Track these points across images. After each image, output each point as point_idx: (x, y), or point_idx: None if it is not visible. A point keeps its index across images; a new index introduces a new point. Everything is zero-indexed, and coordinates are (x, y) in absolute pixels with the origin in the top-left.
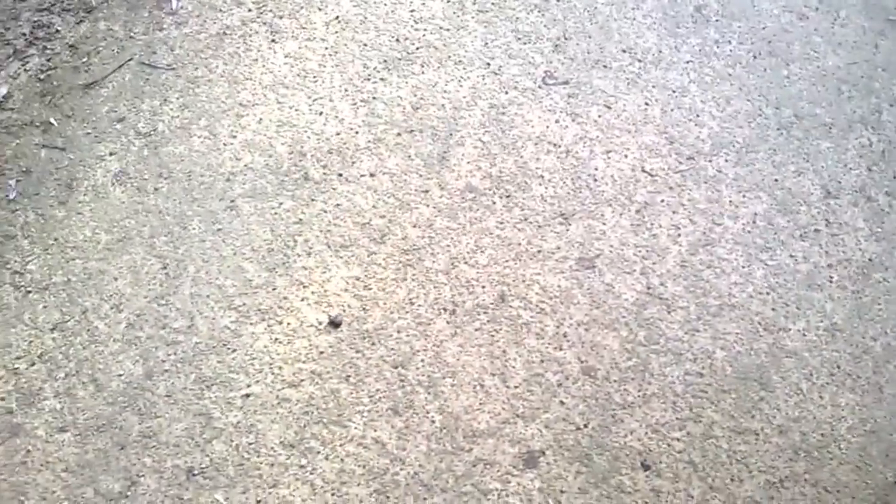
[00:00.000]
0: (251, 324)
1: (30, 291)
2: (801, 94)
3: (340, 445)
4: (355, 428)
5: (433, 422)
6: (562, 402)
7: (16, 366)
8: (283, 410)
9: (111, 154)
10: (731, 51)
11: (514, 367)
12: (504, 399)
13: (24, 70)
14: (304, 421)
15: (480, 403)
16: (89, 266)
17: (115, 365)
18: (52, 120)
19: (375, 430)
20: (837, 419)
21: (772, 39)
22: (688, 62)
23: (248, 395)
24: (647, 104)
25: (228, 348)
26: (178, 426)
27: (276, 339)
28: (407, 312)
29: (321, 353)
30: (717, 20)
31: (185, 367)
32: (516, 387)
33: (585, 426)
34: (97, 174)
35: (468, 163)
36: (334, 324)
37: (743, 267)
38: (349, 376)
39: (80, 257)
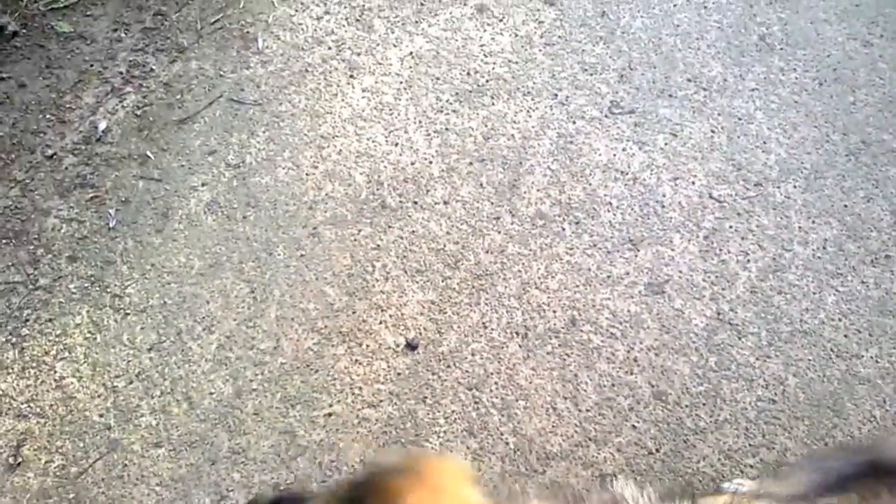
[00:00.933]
0: (332, 346)
1: (128, 314)
2: (868, 120)
3: None
4: (432, 448)
5: (507, 443)
6: (633, 427)
7: (115, 384)
8: (363, 430)
9: (203, 185)
10: (796, 78)
11: (585, 390)
12: (576, 422)
13: (122, 106)
14: (382, 440)
15: (553, 426)
16: (184, 290)
17: (206, 384)
18: (148, 153)
19: (451, 451)
20: None
21: (837, 67)
22: (753, 90)
23: (330, 415)
24: (713, 132)
25: (311, 369)
26: (265, 443)
27: (357, 360)
28: (480, 336)
29: (399, 374)
30: (781, 48)
31: (271, 387)
32: (588, 410)
33: (658, 450)
34: (191, 203)
35: (538, 190)
36: (411, 346)
37: (814, 293)
38: (426, 397)
39: (176, 282)
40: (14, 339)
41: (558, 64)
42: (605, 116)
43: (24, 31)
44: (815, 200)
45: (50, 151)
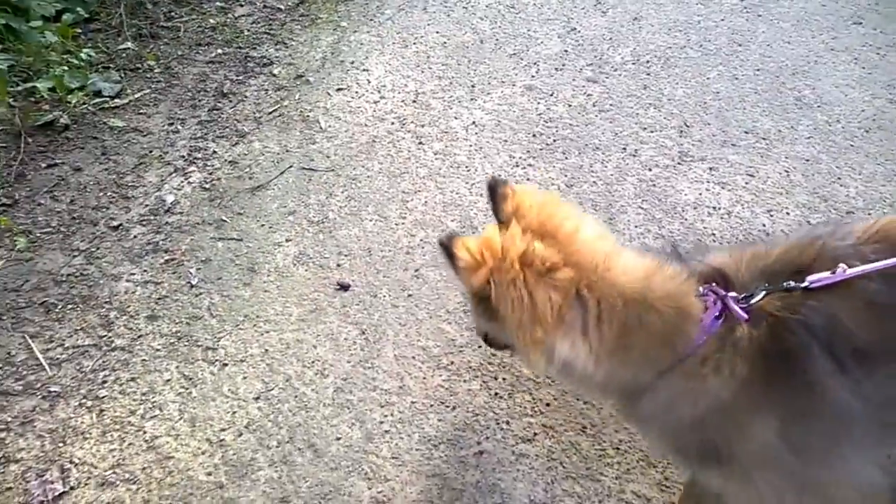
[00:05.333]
0: (465, 381)
1: (226, 364)
2: None
3: (599, 501)
4: (610, 482)
5: None
6: None
7: (222, 438)
8: (524, 467)
9: (287, 240)
10: (843, 128)
11: None
12: None
13: (188, 182)
14: (549, 477)
15: None
16: (285, 337)
17: (330, 429)
18: (224, 218)
19: (633, 483)
20: None
21: (874, 118)
22: (808, 138)
23: (480, 453)
24: (787, 172)
25: (447, 406)
26: (413, 490)
27: (496, 394)
28: None
29: (547, 405)
30: (819, 107)
31: (406, 428)
32: None
33: None
34: (277, 258)
35: (636, 227)
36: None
37: None
38: (585, 427)
39: (275, 330)
40: (90, 403)
41: (618, 125)
42: (679, 164)
43: (76, 125)
44: None
45: (115, 223)
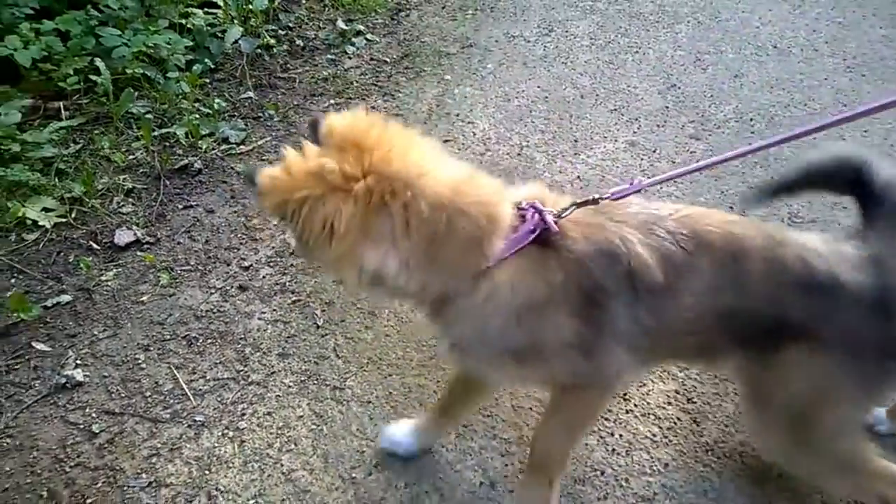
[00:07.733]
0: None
1: (352, 405)
2: None
3: None
4: None
5: None
6: None
7: (353, 475)
8: None
9: None
10: None
11: None
12: None
13: None
14: None
15: None
16: (407, 381)
17: (454, 474)
18: None
19: None
20: None
21: None
22: None
23: None
24: None
25: None
26: None
27: (613, 450)
28: (743, 424)
29: (666, 465)
30: None
31: None
32: None
33: None
34: (395, 303)
35: None
36: None
37: None
38: (706, 491)
39: (397, 373)
40: (232, 434)
41: (724, 183)
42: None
43: (207, 169)
44: None
45: (246, 263)
